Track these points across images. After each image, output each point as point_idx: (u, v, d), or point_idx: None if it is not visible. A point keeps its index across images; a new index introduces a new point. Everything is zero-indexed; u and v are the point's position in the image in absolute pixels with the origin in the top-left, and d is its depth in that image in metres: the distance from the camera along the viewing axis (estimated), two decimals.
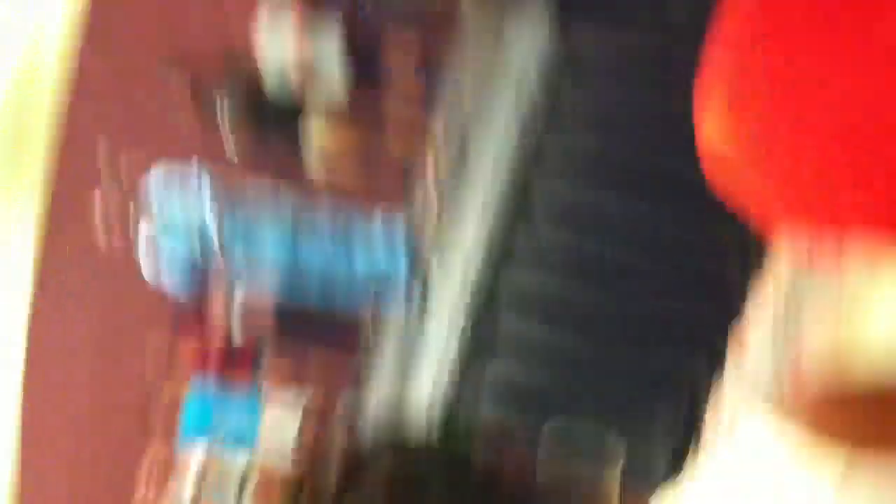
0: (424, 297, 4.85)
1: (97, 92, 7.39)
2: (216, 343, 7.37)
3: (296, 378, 7.55)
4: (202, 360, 7.28)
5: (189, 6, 7.29)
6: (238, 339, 7.34)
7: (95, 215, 5.44)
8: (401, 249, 6.05)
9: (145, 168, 6.87)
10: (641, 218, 3.34)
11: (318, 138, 5.42)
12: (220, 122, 5.43)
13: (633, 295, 3.42)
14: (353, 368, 7.87)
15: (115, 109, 7.41)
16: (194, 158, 6.01)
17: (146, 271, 5.61)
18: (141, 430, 7.65)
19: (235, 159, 5.59)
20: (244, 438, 7.03)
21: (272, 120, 5.37)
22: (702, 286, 3.46)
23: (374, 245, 6.07)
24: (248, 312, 7.35)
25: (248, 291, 7.31)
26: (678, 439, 3.41)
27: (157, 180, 5.48)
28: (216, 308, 7.41)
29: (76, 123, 7.47)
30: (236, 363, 7.39)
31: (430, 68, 7.25)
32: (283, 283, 7.27)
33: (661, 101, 3.09)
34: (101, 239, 5.46)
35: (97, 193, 5.15)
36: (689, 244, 3.36)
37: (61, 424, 7.99)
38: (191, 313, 7.40)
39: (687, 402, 3.46)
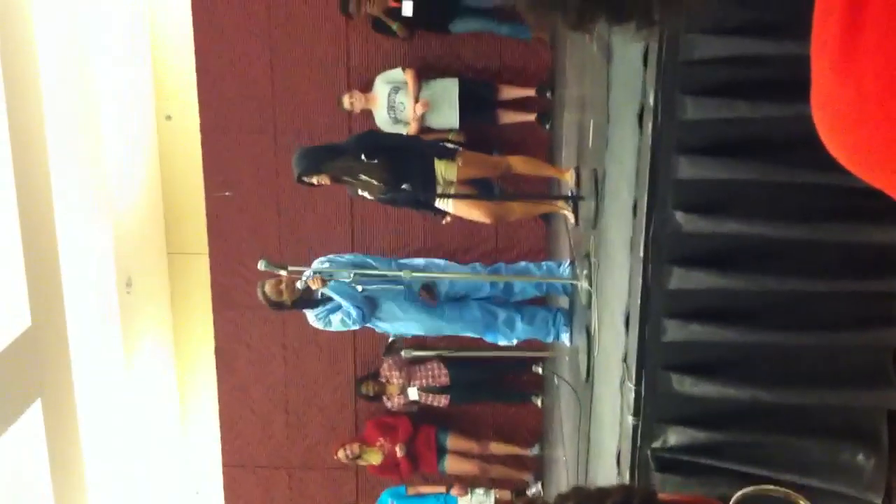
0: (590, 360, 4.69)
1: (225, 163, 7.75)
2: (399, 432, 7.49)
3: (481, 472, 7.58)
4: (389, 447, 7.41)
5: (296, 79, 7.62)
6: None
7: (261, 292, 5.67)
8: (560, 316, 6.00)
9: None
10: (801, 247, 3.11)
11: (446, 172, 5.47)
12: (357, 179, 5.55)
13: (810, 331, 3.16)
14: (533, 461, 7.81)
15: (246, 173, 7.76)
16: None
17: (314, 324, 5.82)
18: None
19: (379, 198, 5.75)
20: None
21: (401, 162, 5.49)
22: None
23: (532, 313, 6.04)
24: (425, 393, 7.44)
25: (420, 375, 7.43)
26: (881, 486, 3.11)
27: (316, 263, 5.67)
28: (394, 399, 7.52)
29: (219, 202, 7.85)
30: (421, 459, 7.48)
31: (544, 87, 7.34)
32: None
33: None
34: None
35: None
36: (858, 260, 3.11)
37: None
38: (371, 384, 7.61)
39: (888, 444, 3.16)
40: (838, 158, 0.86)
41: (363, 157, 5.42)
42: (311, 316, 5.71)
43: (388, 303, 5.67)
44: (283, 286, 5.50)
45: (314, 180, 5.53)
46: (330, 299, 5.60)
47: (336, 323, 5.64)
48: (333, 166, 5.49)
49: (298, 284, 5.49)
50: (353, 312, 5.58)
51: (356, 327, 5.85)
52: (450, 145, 5.82)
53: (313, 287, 5.48)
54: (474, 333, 5.97)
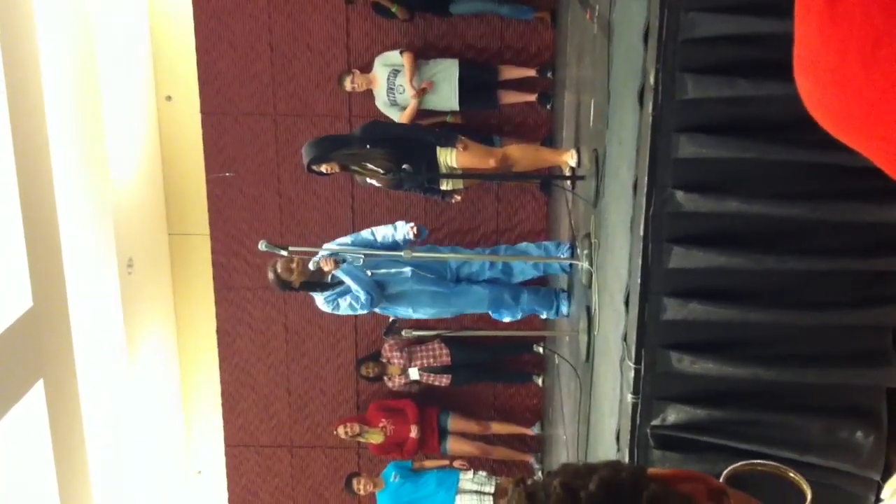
0: (590, 339, 4.70)
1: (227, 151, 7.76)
2: (404, 414, 7.51)
3: (483, 454, 7.61)
4: (394, 429, 7.43)
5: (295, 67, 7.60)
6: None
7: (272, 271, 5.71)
8: (561, 295, 6.03)
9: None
10: (799, 225, 3.12)
11: (447, 158, 5.54)
12: (362, 167, 5.65)
13: (809, 309, 3.18)
14: (535, 440, 7.83)
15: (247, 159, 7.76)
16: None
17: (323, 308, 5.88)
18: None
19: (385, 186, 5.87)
20: None
21: (404, 151, 5.57)
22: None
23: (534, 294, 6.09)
24: (426, 373, 7.46)
25: (422, 355, 7.46)
26: (879, 463, 3.13)
27: (324, 250, 5.74)
28: (395, 380, 7.55)
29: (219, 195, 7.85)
30: (425, 441, 7.49)
31: (544, 68, 7.32)
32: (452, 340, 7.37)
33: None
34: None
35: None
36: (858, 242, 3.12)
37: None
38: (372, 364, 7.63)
39: (887, 422, 3.17)
40: (820, 122, 0.85)
41: (368, 146, 5.52)
42: (320, 299, 5.76)
43: (396, 287, 5.73)
44: (293, 265, 5.57)
45: (323, 168, 5.66)
46: (339, 283, 5.64)
47: (344, 307, 5.72)
48: (340, 155, 5.61)
49: (310, 265, 5.53)
50: (363, 297, 5.65)
51: (363, 312, 5.89)
52: (450, 132, 5.87)
53: (325, 269, 5.53)
54: (481, 309, 6.07)
